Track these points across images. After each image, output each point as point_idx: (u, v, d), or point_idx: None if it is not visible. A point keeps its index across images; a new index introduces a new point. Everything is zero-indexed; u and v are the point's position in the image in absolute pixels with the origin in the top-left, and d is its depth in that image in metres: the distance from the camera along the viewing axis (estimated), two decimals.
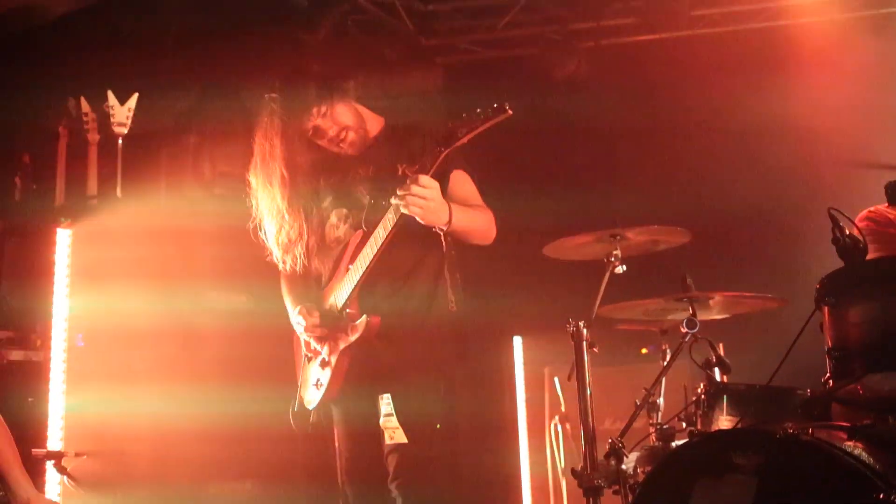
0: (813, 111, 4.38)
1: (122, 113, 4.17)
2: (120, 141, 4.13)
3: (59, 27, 4.53)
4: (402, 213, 2.42)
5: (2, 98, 4.44)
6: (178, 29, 4.54)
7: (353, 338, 2.56)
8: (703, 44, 4.80)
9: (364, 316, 2.54)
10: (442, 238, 2.48)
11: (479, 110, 2.33)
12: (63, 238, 3.66)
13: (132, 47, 4.40)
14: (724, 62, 4.68)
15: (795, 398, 2.47)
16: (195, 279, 3.87)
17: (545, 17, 5.06)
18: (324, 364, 2.63)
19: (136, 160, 4.18)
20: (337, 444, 2.72)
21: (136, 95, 4.20)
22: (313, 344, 2.66)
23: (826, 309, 2.27)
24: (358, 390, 2.61)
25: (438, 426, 2.56)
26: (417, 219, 2.41)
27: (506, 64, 5.10)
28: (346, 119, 2.62)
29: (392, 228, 2.46)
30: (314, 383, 2.66)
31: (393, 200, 2.41)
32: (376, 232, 2.51)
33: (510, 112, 2.30)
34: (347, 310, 2.59)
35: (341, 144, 2.64)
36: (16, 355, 3.57)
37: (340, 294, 2.62)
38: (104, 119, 4.18)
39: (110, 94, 4.16)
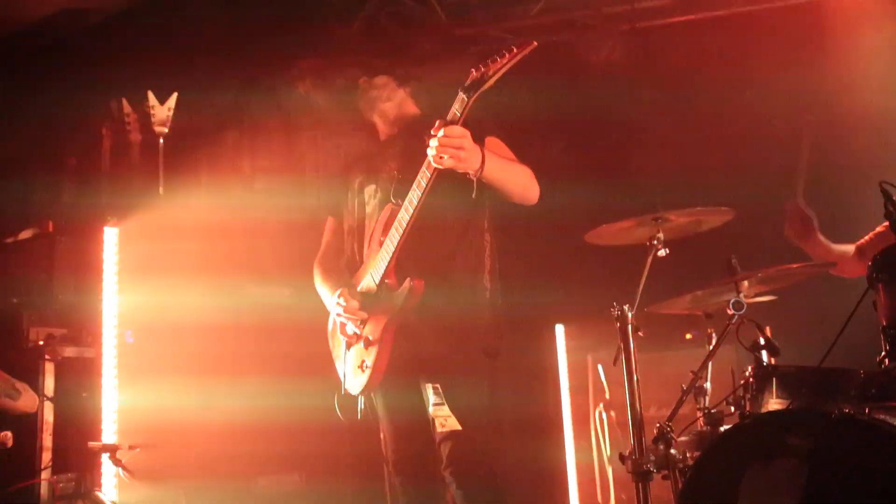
0: (857, 86, 4.26)
1: (163, 112, 4.25)
2: (161, 140, 4.21)
3: (98, 30, 4.63)
4: (436, 169, 2.39)
5: (48, 102, 4.55)
6: (213, 27, 4.60)
7: (397, 306, 2.52)
8: (743, 23, 4.70)
9: (408, 280, 2.49)
10: (475, 187, 2.44)
11: (503, 51, 2.31)
12: (110, 236, 3.74)
13: (170, 47, 4.47)
14: (765, 40, 4.57)
15: (849, 379, 2.40)
16: (238, 274, 3.93)
17: (579, 1, 5.00)
18: (368, 343, 2.58)
19: (177, 158, 4.25)
20: (382, 435, 2.72)
21: (175, 95, 4.28)
22: (352, 327, 2.63)
23: (880, 286, 2.22)
24: (403, 372, 2.58)
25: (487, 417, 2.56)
26: (450, 167, 2.37)
27: (540, 50, 5.04)
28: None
29: (427, 185, 2.42)
30: (358, 366, 2.62)
31: (429, 151, 2.38)
32: (410, 194, 2.48)
33: (535, 44, 2.29)
34: (386, 280, 2.56)
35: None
36: (70, 352, 3.65)
37: (377, 269, 2.58)
38: (145, 119, 4.26)
39: (150, 95, 4.24)
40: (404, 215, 2.49)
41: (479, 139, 2.48)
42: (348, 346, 2.67)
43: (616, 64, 4.86)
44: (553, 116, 4.41)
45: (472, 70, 2.35)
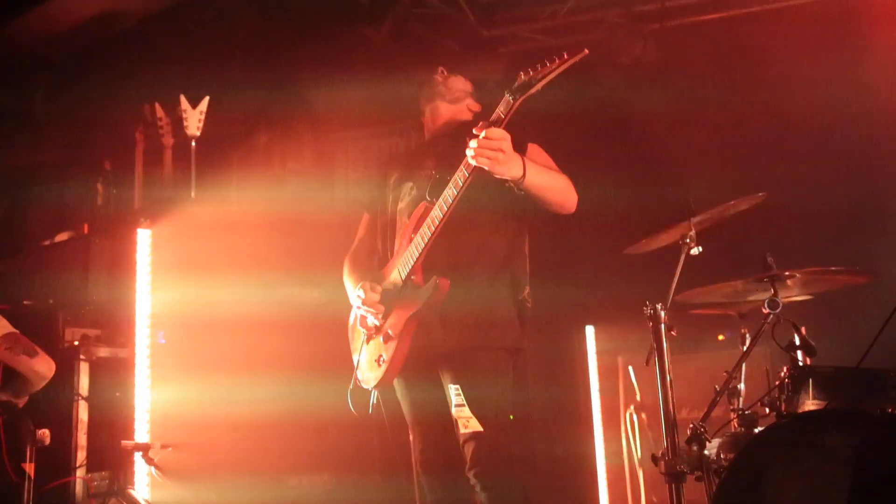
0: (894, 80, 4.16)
1: (195, 116, 4.30)
2: (193, 143, 4.27)
3: (131, 37, 4.70)
4: (474, 169, 2.36)
5: (83, 107, 4.65)
6: (243, 31, 4.65)
7: (420, 302, 2.50)
8: (776, 19, 4.62)
9: (434, 278, 2.47)
10: (515, 191, 2.41)
11: (554, 56, 2.28)
12: (143, 238, 3.79)
13: (201, 52, 4.53)
14: (798, 38, 4.49)
15: (889, 379, 2.36)
16: (269, 275, 3.96)
17: (608, 0, 4.96)
18: (387, 338, 2.57)
19: (209, 161, 4.30)
20: (412, 437, 2.71)
21: (206, 99, 4.33)
22: (372, 319, 2.62)
23: None
24: (423, 371, 2.57)
25: (511, 417, 2.54)
26: (486, 168, 2.34)
27: (570, 51, 5.02)
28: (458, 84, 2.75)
29: (463, 185, 2.40)
30: (375, 360, 2.61)
31: (468, 151, 2.36)
32: (445, 192, 2.45)
33: (586, 51, 2.26)
34: (412, 277, 2.54)
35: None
36: (103, 352, 3.71)
37: (404, 265, 2.57)
38: (177, 123, 4.33)
39: (183, 99, 4.30)
40: (437, 213, 2.48)
41: (520, 145, 2.47)
42: (367, 339, 2.66)
43: (647, 64, 4.81)
44: (583, 117, 4.38)
45: (521, 73, 2.33)
